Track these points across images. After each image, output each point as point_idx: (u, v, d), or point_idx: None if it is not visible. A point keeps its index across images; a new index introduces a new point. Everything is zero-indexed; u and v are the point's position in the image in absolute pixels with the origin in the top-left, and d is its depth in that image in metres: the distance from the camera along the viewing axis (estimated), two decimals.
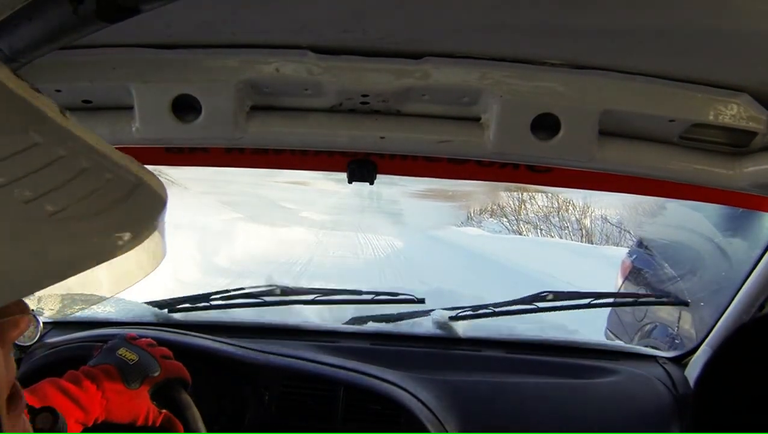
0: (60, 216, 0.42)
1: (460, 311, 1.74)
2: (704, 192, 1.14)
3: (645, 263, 4.17)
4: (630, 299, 1.80)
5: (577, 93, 0.95)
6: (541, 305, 1.74)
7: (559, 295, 1.76)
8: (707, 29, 0.80)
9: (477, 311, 1.75)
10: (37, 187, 0.41)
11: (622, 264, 4.40)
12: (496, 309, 1.75)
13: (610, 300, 1.77)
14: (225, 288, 1.81)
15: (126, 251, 0.45)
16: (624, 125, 1.01)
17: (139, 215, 0.48)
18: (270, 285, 1.78)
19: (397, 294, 1.76)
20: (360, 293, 1.78)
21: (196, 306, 1.73)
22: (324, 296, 1.75)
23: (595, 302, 1.78)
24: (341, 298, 1.74)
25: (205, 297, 1.74)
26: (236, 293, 1.78)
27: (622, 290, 4.15)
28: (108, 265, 0.46)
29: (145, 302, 1.73)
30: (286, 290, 1.77)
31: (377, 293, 1.77)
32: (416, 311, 1.77)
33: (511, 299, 1.79)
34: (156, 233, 0.49)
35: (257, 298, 1.74)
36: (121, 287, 0.56)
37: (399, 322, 1.79)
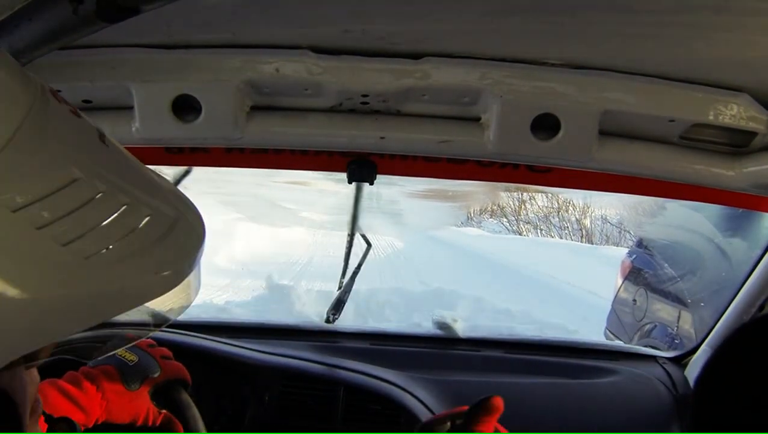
0: (99, 259, 0.40)
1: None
2: (704, 192, 1.14)
3: (645, 263, 4.18)
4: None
5: (577, 93, 0.95)
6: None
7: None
8: (707, 30, 0.80)
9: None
10: (75, 228, 0.39)
11: (622, 264, 4.41)
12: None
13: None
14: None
15: (166, 292, 0.44)
16: (624, 125, 1.01)
17: (180, 253, 0.45)
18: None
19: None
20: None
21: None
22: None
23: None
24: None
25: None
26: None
27: (620, 294, 4.15)
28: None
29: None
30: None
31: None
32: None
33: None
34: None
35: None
36: (159, 324, 0.54)
37: (399, 323, 1.79)
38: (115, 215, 0.41)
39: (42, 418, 0.86)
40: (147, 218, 0.43)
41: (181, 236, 0.45)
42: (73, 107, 0.44)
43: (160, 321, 0.54)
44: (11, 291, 0.37)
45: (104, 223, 0.40)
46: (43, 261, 0.38)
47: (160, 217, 0.44)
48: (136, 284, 0.42)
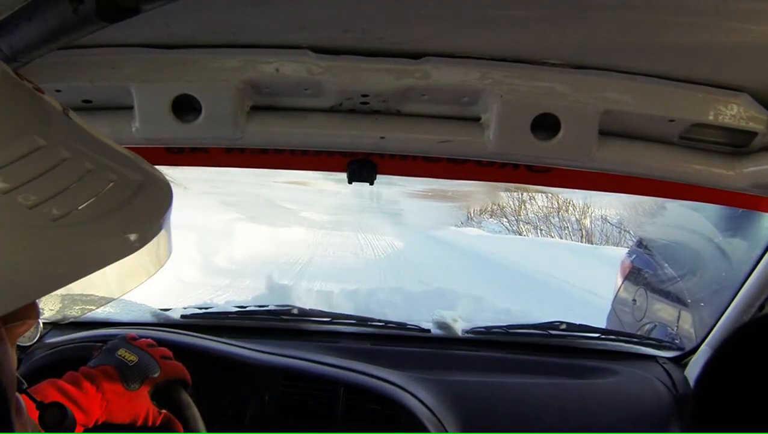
0: (65, 221, 0.42)
1: (475, 326, 1.75)
2: (704, 192, 1.14)
3: (644, 263, 4.18)
4: (635, 340, 1.84)
5: (577, 93, 0.95)
6: (553, 333, 1.74)
7: (571, 326, 1.77)
8: (707, 30, 0.80)
9: (490, 330, 1.75)
10: (41, 192, 0.41)
11: (622, 264, 4.41)
12: (510, 330, 1.75)
13: (616, 337, 1.81)
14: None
15: (133, 252, 0.45)
16: (624, 125, 1.01)
17: (145, 215, 0.47)
18: (287, 305, 1.79)
19: (405, 325, 1.76)
20: (372, 320, 1.77)
21: (211, 315, 1.74)
22: (337, 320, 1.75)
23: (603, 337, 1.80)
24: (353, 330, 1.74)
25: (226, 313, 1.75)
26: (256, 309, 1.79)
27: (620, 294, 4.15)
28: (113, 266, 0.45)
29: (161, 309, 1.74)
30: (303, 311, 1.77)
31: (387, 323, 1.77)
32: (419, 337, 1.76)
33: (526, 323, 1.79)
34: (162, 232, 0.49)
35: (276, 316, 1.74)
36: (128, 288, 0.56)
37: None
38: (80, 180, 0.43)
39: (33, 405, 0.86)
40: (111, 183, 0.45)
41: (146, 201, 0.48)
42: (36, 85, 0.47)
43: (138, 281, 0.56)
44: None
45: (70, 187, 0.42)
46: (11, 223, 0.40)
47: (124, 181, 0.47)
48: (103, 245, 0.44)
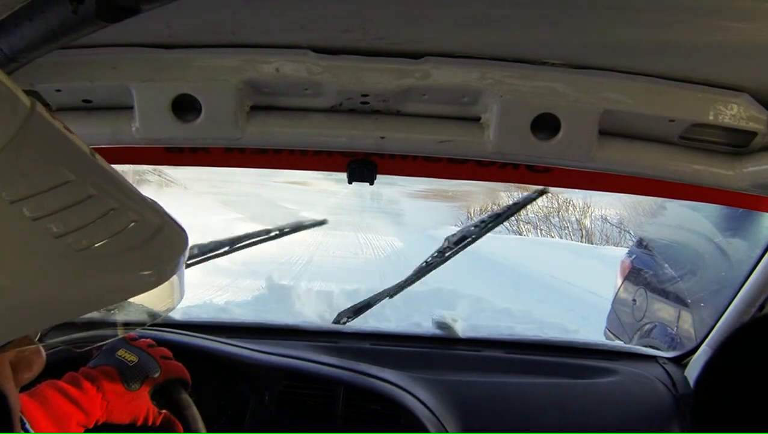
0: (87, 253, 0.44)
1: (394, 289, 1.87)
2: (704, 192, 1.14)
3: (644, 263, 4.18)
4: (507, 213, 1.95)
5: (577, 93, 0.95)
6: (448, 253, 1.86)
7: (452, 238, 1.87)
8: (707, 30, 0.80)
9: (408, 281, 1.86)
10: (67, 223, 0.44)
11: (622, 264, 4.41)
12: (417, 275, 1.85)
13: (494, 221, 1.95)
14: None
15: (147, 290, 0.48)
16: (624, 125, 1.01)
17: (162, 256, 0.50)
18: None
19: (301, 223, 1.88)
20: (267, 232, 1.88)
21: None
22: (234, 245, 1.84)
23: (484, 230, 1.90)
24: (249, 241, 1.84)
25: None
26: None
27: (620, 294, 4.15)
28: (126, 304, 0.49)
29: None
30: (202, 248, 1.84)
31: (282, 228, 1.88)
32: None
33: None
34: (174, 277, 0.52)
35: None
36: (133, 326, 0.58)
37: (399, 323, 1.81)
38: (104, 216, 0.46)
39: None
40: (133, 223, 0.48)
41: (164, 243, 0.51)
42: (66, 126, 0.50)
43: (147, 320, 0.59)
44: (4, 280, 0.41)
45: (94, 222, 0.45)
46: (37, 251, 0.42)
47: (144, 223, 0.50)
48: (120, 280, 0.47)
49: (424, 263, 1.91)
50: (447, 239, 1.90)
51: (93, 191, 0.46)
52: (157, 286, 0.49)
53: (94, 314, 1.51)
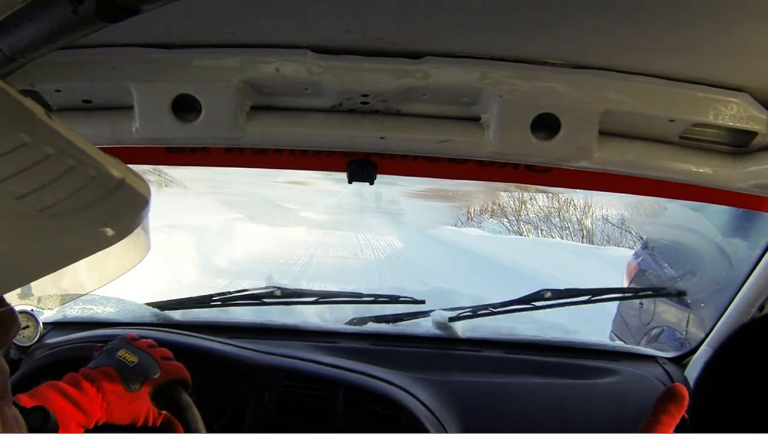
0: (50, 212, 0.45)
1: (460, 311, 1.75)
2: (704, 192, 1.14)
3: (651, 266, 4.16)
4: (629, 294, 1.82)
5: (577, 93, 0.95)
6: (539, 304, 1.75)
7: (556, 293, 1.76)
8: (707, 30, 0.80)
9: (477, 312, 1.75)
10: (27, 184, 0.44)
11: (628, 266, 4.39)
12: (495, 310, 1.76)
13: (608, 296, 1.77)
14: (225, 288, 1.82)
15: (110, 245, 0.48)
16: (624, 125, 1.01)
17: (122, 211, 0.51)
18: (270, 287, 1.78)
19: (398, 297, 1.77)
20: (362, 295, 1.78)
21: (196, 306, 1.74)
22: (325, 298, 1.75)
23: (594, 298, 1.79)
24: (343, 300, 1.75)
25: (206, 299, 1.75)
26: (237, 294, 1.79)
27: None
28: (91, 260, 0.48)
29: (146, 304, 1.73)
30: (286, 292, 1.77)
31: (378, 296, 1.77)
32: (416, 312, 1.77)
33: (510, 299, 1.80)
34: (140, 230, 0.53)
35: (258, 300, 1.74)
36: (104, 281, 0.60)
37: (399, 323, 1.80)
38: (64, 174, 0.47)
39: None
40: (92, 178, 0.49)
41: (125, 196, 0.52)
42: (20, 89, 0.52)
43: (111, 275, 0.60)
44: None
45: (54, 181, 0.46)
46: (0, 213, 0.43)
47: (104, 177, 0.51)
48: (85, 235, 0.48)
49: (509, 301, 1.79)
50: (547, 290, 1.78)
51: (50, 150, 0.47)
52: (118, 240, 0.49)
53: (96, 315, 1.51)
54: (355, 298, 1.77)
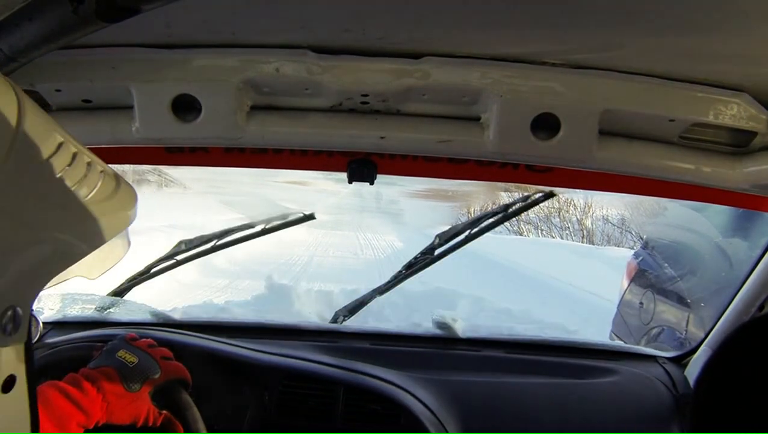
0: (94, 198, 0.56)
1: (384, 286, 1.88)
2: (704, 192, 1.14)
3: (651, 266, 4.15)
4: (500, 215, 1.86)
5: (577, 93, 0.95)
6: (437, 252, 1.85)
7: (444, 235, 1.86)
8: (707, 30, 0.80)
9: (397, 279, 1.89)
10: (74, 176, 0.54)
11: (628, 266, 4.39)
12: (407, 271, 1.87)
13: (485, 223, 1.88)
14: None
15: (127, 226, 0.60)
16: (624, 125, 1.01)
17: (129, 200, 0.62)
18: (177, 244, 1.91)
19: (287, 216, 1.90)
20: (252, 225, 1.90)
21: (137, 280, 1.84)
22: (223, 238, 1.87)
23: (473, 232, 1.86)
24: (237, 237, 1.87)
25: (144, 271, 1.85)
26: (155, 261, 1.89)
27: (626, 297, 4.11)
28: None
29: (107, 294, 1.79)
30: (190, 245, 1.89)
31: (268, 222, 1.91)
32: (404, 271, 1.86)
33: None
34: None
35: (171, 259, 1.86)
36: (104, 269, 0.69)
37: (399, 323, 1.81)
38: (89, 168, 0.56)
39: None
40: (102, 172, 0.58)
41: (126, 189, 0.62)
42: (49, 110, 0.66)
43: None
44: (46, 227, 0.53)
45: (86, 175, 0.56)
46: (62, 202, 0.53)
47: (109, 174, 0.60)
48: (113, 217, 0.58)
49: (413, 259, 1.91)
50: (438, 235, 1.89)
51: (74, 149, 0.55)
52: (130, 224, 0.61)
53: (96, 315, 1.52)
54: (247, 231, 1.89)
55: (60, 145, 0.53)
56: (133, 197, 0.64)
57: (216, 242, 1.88)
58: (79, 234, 0.55)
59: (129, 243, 0.72)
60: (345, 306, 1.93)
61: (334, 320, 1.89)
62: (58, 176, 0.53)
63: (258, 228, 1.91)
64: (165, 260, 1.88)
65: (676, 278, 3.66)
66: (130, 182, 0.63)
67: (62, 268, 0.54)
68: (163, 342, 1.22)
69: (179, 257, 1.86)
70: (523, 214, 1.97)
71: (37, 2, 0.58)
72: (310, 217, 1.89)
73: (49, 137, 0.54)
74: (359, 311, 1.91)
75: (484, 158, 1.09)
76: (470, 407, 1.49)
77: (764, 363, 0.66)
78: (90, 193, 0.55)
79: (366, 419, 1.42)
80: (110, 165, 0.62)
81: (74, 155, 0.55)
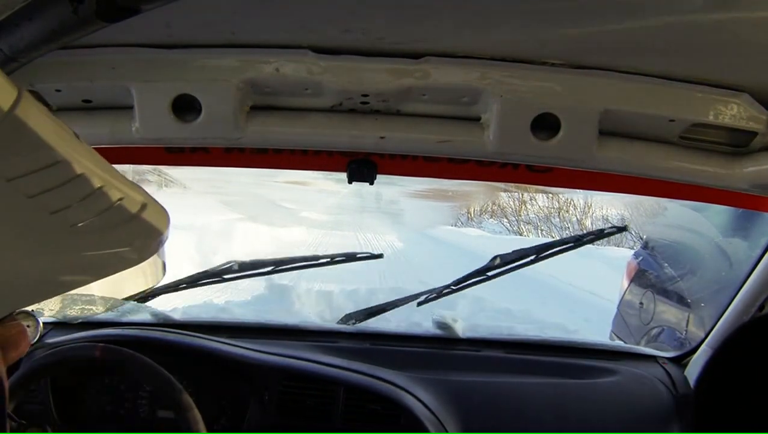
0: (81, 228, 0.48)
1: (427, 295, 1.81)
2: (704, 192, 1.14)
3: (651, 266, 4.15)
4: (570, 244, 1.82)
5: (577, 93, 0.95)
6: (491, 273, 1.80)
7: (506, 258, 1.80)
8: (707, 29, 0.80)
9: (441, 292, 1.81)
10: (60, 201, 0.48)
11: (628, 266, 4.38)
12: (455, 287, 1.82)
13: (554, 250, 1.84)
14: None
15: (131, 266, 0.52)
16: (624, 125, 1.01)
17: (149, 231, 0.54)
18: (227, 262, 1.82)
19: (355, 255, 1.80)
20: (317, 258, 1.82)
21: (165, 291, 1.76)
22: (281, 266, 1.80)
23: (540, 256, 1.83)
24: (299, 265, 1.78)
25: (173, 286, 1.77)
26: (199, 275, 1.82)
27: (626, 297, 4.10)
28: (108, 281, 0.51)
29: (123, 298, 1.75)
30: (243, 266, 1.80)
31: (334, 256, 1.82)
32: (408, 296, 1.82)
33: (465, 274, 1.82)
34: (156, 256, 0.55)
35: (219, 276, 1.78)
36: (122, 296, 0.62)
37: (399, 323, 1.81)
38: (93, 193, 0.50)
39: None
40: (119, 200, 0.52)
41: (149, 218, 0.55)
42: (52, 108, 0.55)
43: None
44: (3, 253, 0.45)
45: (84, 199, 0.49)
46: (34, 227, 0.46)
47: (129, 201, 0.54)
48: (112, 253, 0.51)
49: (463, 277, 1.83)
50: (499, 256, 1.81)
51: (81, 170, 0.49)
52: (145, 259, 0.52)
53: (96, 315, 1.52)
54: (310, 262, 1.80)
55: (56, 163, 0.49)
56: (160, 229, 0.57)
57: (273, 267, 1.80)
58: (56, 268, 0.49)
59: (165, 269, 0.66)
60: (362, 309, 1.85)
61: (344, 322, 1.83)
62: (34, 198, 0.47)
63: (321, 260, 1.83)
64: (212, 276, 1.79)
65: (676, 278, 3.66)
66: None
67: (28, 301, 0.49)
68: (163, 342, 1.22)
69: (227, 276, 1.79)
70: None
71: (37, 2, 0.58)
72: (378, 256, 1.80)
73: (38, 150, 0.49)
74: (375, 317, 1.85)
75: (484, 158, 1.09)
76: (470, 407, 1.49)
77: (764, 363, 0.66)
78: (81, 221, 0.49)
79: (366, 419, 1.42)
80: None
81: (73, 176, 0.50)
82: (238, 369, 1.47)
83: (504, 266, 1.79)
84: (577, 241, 1.79)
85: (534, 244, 1.90)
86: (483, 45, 0.91)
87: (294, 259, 1.84)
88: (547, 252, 1.82)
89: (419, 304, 1.79)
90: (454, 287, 1.83)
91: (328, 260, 1.81)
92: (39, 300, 0.51)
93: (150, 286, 0.61)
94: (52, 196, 0.46)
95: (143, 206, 0.54)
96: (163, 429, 1.43)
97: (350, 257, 1.81)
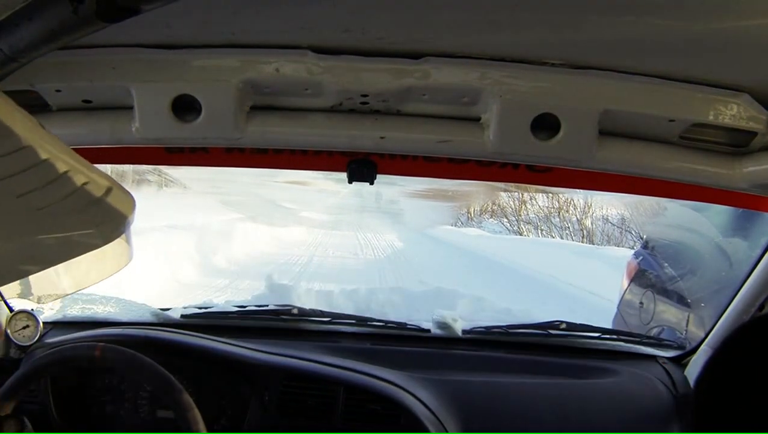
0: (49, 211, 0.50)
1: (473, 326, 1.75)
2: (704, 192, 1.14)
3: (651, 266, 4.15)
4: (635, 339, 1.82)
5: (577, 93, 0.95)
6: (554, 332, 1.74)
7: (571, 325, 1.77)
8: (707, 30, 0.80)
9: (490, 330, 1.75)
10: (26, 184, 0.49)
11: (628, 266, 4.38)
12: (510, 331, 1.75)
13: (618, 338, 1.82)
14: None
15: (96, 248, 0.53)
16: (624, 125, 1.01)
17: (114, 213, 0.56)
18: (287, 305, 1.79)
19: (405, 325, 1.76)
20: (372, 320, 1.78)
21: (212, 315, 1.75)
22: (337, 320, 1.75)
23: (603, 336, 1.79)
24: (353, 330, 1.74)
25: (226, 314, 1.76)
26: (256, 309, 1.80)
27: (626, 296, 4.10)
28: (71, 264, 0.53)
29: (161, 309, 1.74)
30: (303, 311, 1.77)
31: (387, 322, 1.77)
32: (418, 337, 1.77)
33: (525, 323, 1.79)
34: (122, 239, 0.57)
35: (276, 316, 1.75)
36: (83, 285, 0.64)
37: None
38: (59, 178, 0.52)
39: None
40: (84, 184, 0.54)
41: (114, 203, 0.57)
42: (21, 89, 0.60)
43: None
44: None
45: (50, 183, 0.51)
46: (1, 209, 0.48)
47: (95, 184, 0.55)
48: (79, 234, 0.53)
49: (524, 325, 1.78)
50: (566, 323, 1.76)
51: (45, 155, 0.51)
52: (112, 240, 0.54)
53: (96, 315, 1.51)
54: (363, 328, 1.75)
55: (21, 148, 0.50)
56: (125, 212, 0.58)
57: (331, 319, 1.75)
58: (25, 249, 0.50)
59: (131, 254, 0.66)
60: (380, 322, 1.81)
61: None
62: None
63: (374, 323, 1.78)
64: (271, 314, 1.77)
65: (676, 278, 3.66)
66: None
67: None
68: (163, 342, 1.22)
69: (285, 317, 1.76)
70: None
71: (37, 2, 0.58)
72: (426, 331, 1.73)
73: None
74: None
75: (484, 158, 1.09)
76: (470, 407, 1.49)
77: (764, 363, 0.66)
78: (47, 204, 0.50)
79: (366, 419, 1.42)
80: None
81: (38, 162, 0.51)
82: (239, 369, 1.47)
83: (567, 331, 1.75)
84: (641, 339, 1.81)
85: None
86: (483, 45, 0.91)
87: (351, 317, 1.79)
88: (611, 336, 1.80)
89: (465, 333, 1.73)
90: (508, 331, 1.76)
91: (382, 325, 1.76)
92: (12, 280, 0.53)
93: (114, 271, 0.64)
94: (17, 180, 0.48)
95: (108, 190, 0.56)
96: (163, 429, 1.43)
97: (401, 326, 1.76)
